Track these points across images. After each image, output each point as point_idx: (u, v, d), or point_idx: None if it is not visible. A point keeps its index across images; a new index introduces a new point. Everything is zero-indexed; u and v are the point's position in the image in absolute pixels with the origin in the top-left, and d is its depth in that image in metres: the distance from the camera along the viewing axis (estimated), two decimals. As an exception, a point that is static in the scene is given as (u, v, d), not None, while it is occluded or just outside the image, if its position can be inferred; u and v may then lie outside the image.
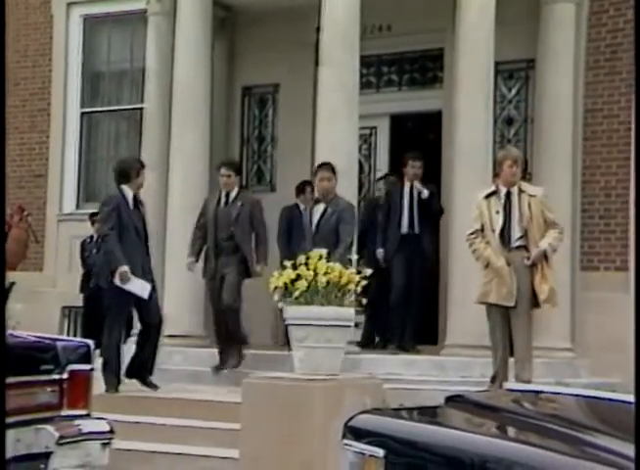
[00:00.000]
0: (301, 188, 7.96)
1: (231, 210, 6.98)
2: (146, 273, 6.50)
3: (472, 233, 6.02)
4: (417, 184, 7.55)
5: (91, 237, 8.79)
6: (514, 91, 8.40)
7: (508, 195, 5.98)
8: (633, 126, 7.21)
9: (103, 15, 9.76)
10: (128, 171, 6.61)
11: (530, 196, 5.94)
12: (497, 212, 5.97)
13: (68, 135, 9.81)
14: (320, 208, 6.81)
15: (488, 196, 6.04)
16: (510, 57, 7.90)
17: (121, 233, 6.43)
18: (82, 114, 9.84)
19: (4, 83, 4.59)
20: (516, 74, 8.34)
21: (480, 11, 7.10)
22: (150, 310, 6.49)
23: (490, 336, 5.96)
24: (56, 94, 9.78)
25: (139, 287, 6.38)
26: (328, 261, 5.61)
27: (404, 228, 7.59)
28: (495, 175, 7.04)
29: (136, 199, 6.64)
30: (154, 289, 6.54)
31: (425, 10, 8.06)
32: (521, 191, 5.96)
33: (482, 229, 5.99)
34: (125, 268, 6.31)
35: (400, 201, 7.59)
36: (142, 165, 6.76)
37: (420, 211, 7.59)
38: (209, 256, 7.00)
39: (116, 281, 6.31)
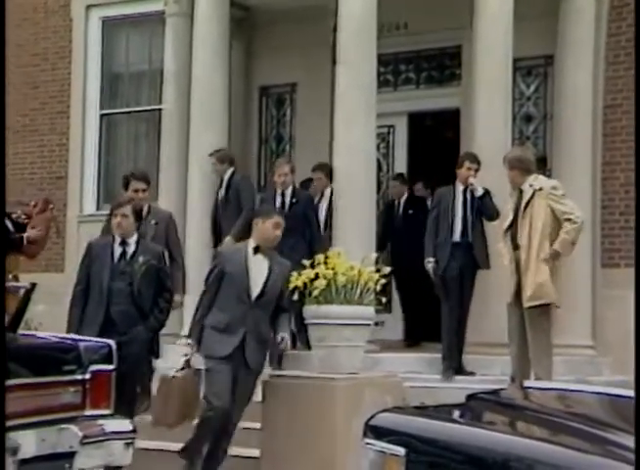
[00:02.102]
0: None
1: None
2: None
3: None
4: (472, 180, 6.67)
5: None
6: (532, 88, 8.36)
7: (520, 192, 5.99)
8: (634, 126, 7.13)
9: (121, 17, 9.81)
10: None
11: (537, 190, 5.93)
12: (510, 210, 6.01)
13: (87, 137, 9.86)
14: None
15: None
16: (528, 53, 7.86)
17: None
18: (101, 115, 9.89)
19: (4, 83, 4.61)
20: (534, 71, 8.30)
21: (499, 7, 7.07)
22: None
23: (511, 337, 5.96)
24: (75, 96, 9.84)
25: None
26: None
27: (457, 235, 6.77)
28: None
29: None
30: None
31: (442, 7, 8.04)
32: (531, 187, 5.97)
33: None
34: None
35: (453, 205, 6.79)
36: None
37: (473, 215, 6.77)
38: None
39: None
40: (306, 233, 7.08)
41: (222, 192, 7.75)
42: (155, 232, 6.14)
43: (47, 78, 9.95)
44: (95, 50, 9.91)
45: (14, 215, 8.33)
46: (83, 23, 9.85)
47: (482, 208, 6.71)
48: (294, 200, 7.19)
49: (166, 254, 5.88)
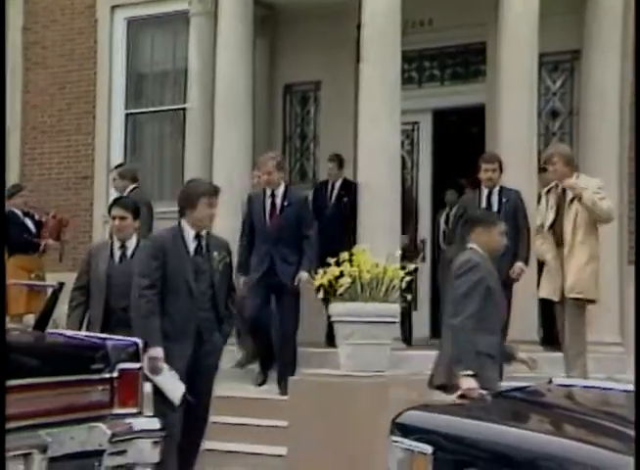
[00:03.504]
0: None
1: (132, 267, 5.09)
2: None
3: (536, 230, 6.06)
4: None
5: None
6: (559, 83, 8.29)
7: (564, 191, 5.94)
8: (634, 126, 7.04)
9: (146, 17, 9.85)
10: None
11: (580, 199, 5.89)
12: (551, 208, 5.96)
13: (113, 137, 9.93)
14: None
15: (549, 191, 6.04)
16: (554, 48, 7.80)
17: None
18: (127, 115, 9.95)
19: (4, 84, 4.64)
20: (561, 66, 8.23)
21: (525, 1, 7.01)
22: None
23: (560, 334, 5.90)
24: (101, 96, 9.91)
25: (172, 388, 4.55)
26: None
27: None
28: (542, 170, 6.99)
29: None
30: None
31: (466, 3, 7.99)
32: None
33: (543, 225, 6.00)
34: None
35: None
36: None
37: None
38: (93, 329, 5.10)
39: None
40: (301, 242, 6.48)
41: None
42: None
43: (73, 79, 10.02)
44: (120, 50, 9.97)
45: (36, 217, 8.45)
46: (108, 24, 9.91)
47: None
48: (285, 202, 6.57)
49: None
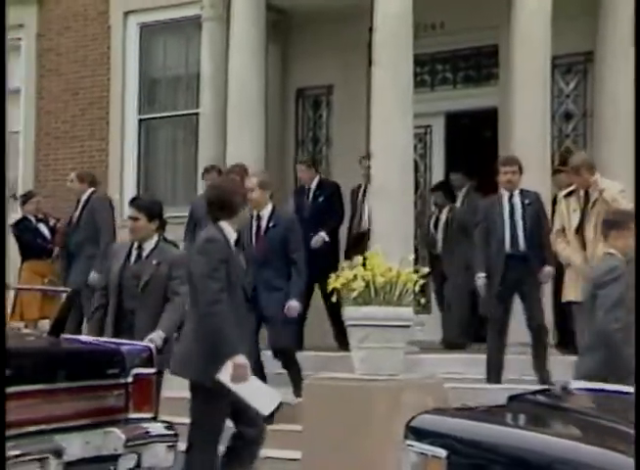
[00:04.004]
0: None
1: (143, 268, 5.14)
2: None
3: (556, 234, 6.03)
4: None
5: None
6: (572, 85, 8.27)
7: (586, 194, 5.92)
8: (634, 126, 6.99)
9: (158, 22, 9.90)
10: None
11: (602, 191, 5.89)
12: (574, 211, 5.93)
13: (126, 142, 9.97)
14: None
15: (568, 195, 6.01)
16: (568, 50, 7.77)
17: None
18: (140, 120, 10.00)
19: (4, 84, 4.65)
20: (574, 68, 8.21)
21: (537, 3, 6.99)
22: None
23: (578, 337, 5.82)
24: (114, 102, 9.96)
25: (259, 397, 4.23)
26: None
27: (508, 247, 6.37)
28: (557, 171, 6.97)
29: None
30: None
31: (478, 6, 7.99)
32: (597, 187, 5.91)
33: (564, 229, 5.97)
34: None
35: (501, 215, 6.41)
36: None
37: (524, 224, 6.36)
38: (106, 333, 5.02)
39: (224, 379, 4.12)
40: (288, 268, 6.14)
41: (76, 214, 7.70)
42: (152, 272, 5.15)
43: (86, 85, 10.07)
44: (133, 56, 10.02)
45: (51, 222, 8.51)
46: (121, 30, 9.96)
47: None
48: (271, 223, 6.16)
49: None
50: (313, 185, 7.87)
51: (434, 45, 8.52)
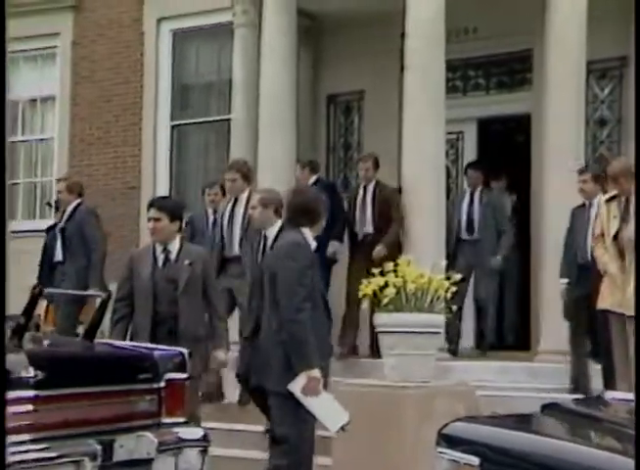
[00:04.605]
0: None
1: (178, 271, 5.03)
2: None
3: (596, 239, 5.97)
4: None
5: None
6: (607, 91, 8.19)
7: (627, 200, 5.84)
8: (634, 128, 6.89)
9: (191, 29, 9.98)
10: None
11: None
12: (614, 217, 5.85)
13: (159, 148, 10.05)
14: None
15: (610, 200, 5.94)
16: (603, 55, 7.70)
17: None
18: (172, 126, 10.07)
19: (4, 85, 4.67)
20: (609, 73, 8.13)
21: (572, 8, 6.93)
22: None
23: (614, 347, 5.74)
24: (147, 108, 10.04)
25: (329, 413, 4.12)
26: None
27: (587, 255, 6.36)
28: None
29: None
30: None
31: (512, 11, 7.94)
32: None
33: (603, 234, 5.91)
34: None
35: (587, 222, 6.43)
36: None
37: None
38: (139, 339, 4.88)
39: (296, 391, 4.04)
40: None
41: (61, 224, 7.54)
42: (189, 275, 5.03)
43: (120, 92, 10.17)
44: (166, 62, 10.10)
45: None
46: (154, 37, 10.04)
47: None
48: (187, 261, 5.13)
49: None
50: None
51: (467, 50, 8.48)
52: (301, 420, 4.12)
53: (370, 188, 7.59)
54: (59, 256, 7.52)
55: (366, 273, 5.74)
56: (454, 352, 7.33)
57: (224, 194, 7.56)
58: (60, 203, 7.75)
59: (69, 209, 7.57)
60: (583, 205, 6.48)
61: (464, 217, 7.85)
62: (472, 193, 7.95)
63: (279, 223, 5.42)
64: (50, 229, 8.44)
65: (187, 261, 5.03)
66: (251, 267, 5.89)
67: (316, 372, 4.06)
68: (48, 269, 7.60)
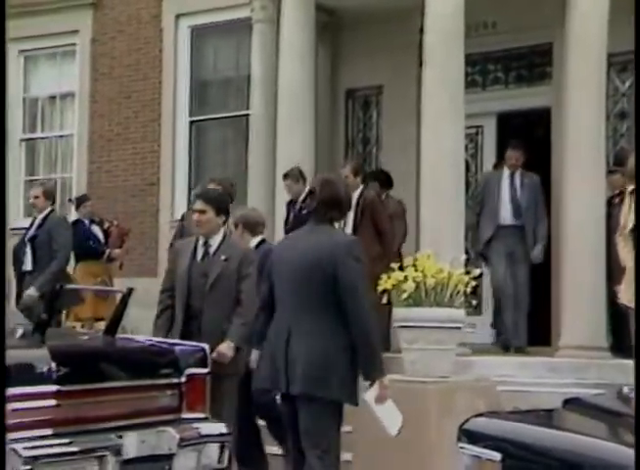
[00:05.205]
0: None
1: (211, 265, 4.93)
2: None
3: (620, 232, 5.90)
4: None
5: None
6: (627, 84, 8.12)
7: None
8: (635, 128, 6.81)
9: (209, 25, 9.99)
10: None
11: None
12: (632, 210, 5.80)
13: (177, 143, 10.08)
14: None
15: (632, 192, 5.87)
16: (624, 48, 7.60)
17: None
18: (191, 122, 10.10)
19: (4, 82, 4.65)
20: (630, 66, 8.04)
21: (593, 1, 6.87)
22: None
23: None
24: (166, 104, 10.07)
25: (390, 418, 4.11)
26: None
27: None
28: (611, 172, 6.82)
29: None
30: None
31: (531, 4, 7.90)
32: None
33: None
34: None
35: None
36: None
37: None
38: (173, 335, 4.83)
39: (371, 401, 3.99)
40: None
41: (32, 232, 7.30)
42: (220, 270, 4.89)
43: (139, 88, 10.20)
44: (184, 58, 10.12)
45: (105, 225, 8.66)
46: (173, 33, 10.07)
47: None
48: (223, 257, 4.95)
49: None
50: (301, 198, 7.33)
51: (486, 45, 8.44)
52: (339, 427, 4.04)
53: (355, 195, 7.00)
54: (28, 265, 7.26)
55: None
56: (506, 346, 7.17)
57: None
58: (35, 208, 7.51)
59: (41, 216, 7.40)
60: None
61: (507, 201, 7.39)
62: (511, 175, 7.51)
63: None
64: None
65: (223, 257, 4.89)
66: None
67: (387, 379, 4.00)
68: (18, 278, 7.30)
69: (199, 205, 5.00)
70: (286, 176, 7.49)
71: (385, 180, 7.96)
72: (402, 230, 7.82)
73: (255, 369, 4.20)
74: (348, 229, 6.90)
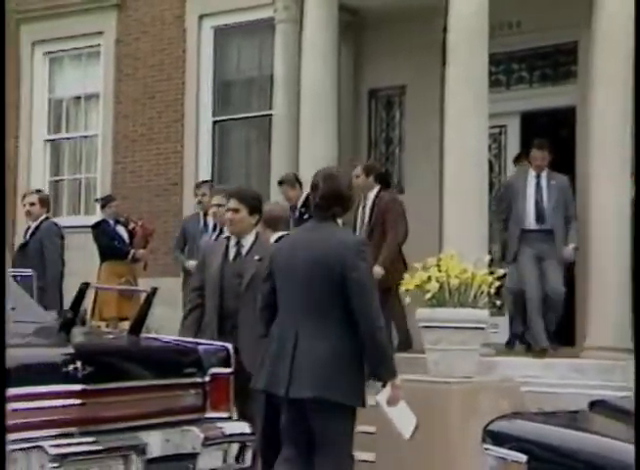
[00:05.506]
0: None
1: (245, 265, 4.86)
2: None
3: None
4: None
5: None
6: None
7: None
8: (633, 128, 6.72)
9: (232, 25, 10.02)
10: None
11: None
12: None
13: (201, 144, 10.11)
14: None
15: None
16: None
17: None
18: (214, 122, 10.13)
19: (4, 83, 4.64)
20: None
21: (620, 0, 6.81)
22: None
23: None
24: (189, 104, 10.11)
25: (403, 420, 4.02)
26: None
27: None
28: None
29: None
30: None
31: (556, 3, 7.84)
32: None
33: None
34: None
35: None
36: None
37: None
38: (206, 335, 4.77)
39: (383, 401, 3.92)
40: None
41: (24, 240, 7.21)
42: (254, 271, 4.77)
43: (162, 88, 10.25)
44: (207, 59, 10.15)
45: (130, 225, 8.72)
46: (196, 33, 10.10)
47: None
48: (257, 257, 4.85)
49: None
50: (299, 203, 7.34)
51: (510, 44, 8.39)
52: (351, 430, 3.96)
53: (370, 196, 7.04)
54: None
55: None
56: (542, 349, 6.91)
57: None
58: (30, 216, 7.45)
59: (35, 224, 7.39)
60: None
61: (531, 205, 7.12)
62: (537, 177, 7.21)
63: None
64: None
65: (257, 257, 4.80)
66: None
67: (399, 381, 3.88)
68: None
69: (233, 203, 4.94)
70: (281, 183, 7.47)
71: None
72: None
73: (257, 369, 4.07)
74: (363, 230, 6.85)
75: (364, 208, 7.02)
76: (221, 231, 6.19)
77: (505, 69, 8.74)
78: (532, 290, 7.05)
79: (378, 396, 3.84)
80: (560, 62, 8.53)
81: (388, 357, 3.83)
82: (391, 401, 3.87)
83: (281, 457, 3.95)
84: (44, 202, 7.55)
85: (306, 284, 3.83)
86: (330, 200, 3.92)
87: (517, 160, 8.23)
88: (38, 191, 8.08)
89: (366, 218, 6.90)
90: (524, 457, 2.80)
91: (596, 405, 3.27)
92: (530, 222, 7.15)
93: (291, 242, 4.16)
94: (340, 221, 4.06)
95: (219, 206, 6.19)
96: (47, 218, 7.57)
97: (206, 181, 7.81)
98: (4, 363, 3.17)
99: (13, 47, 10.97)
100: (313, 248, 3.87)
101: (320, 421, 3.83)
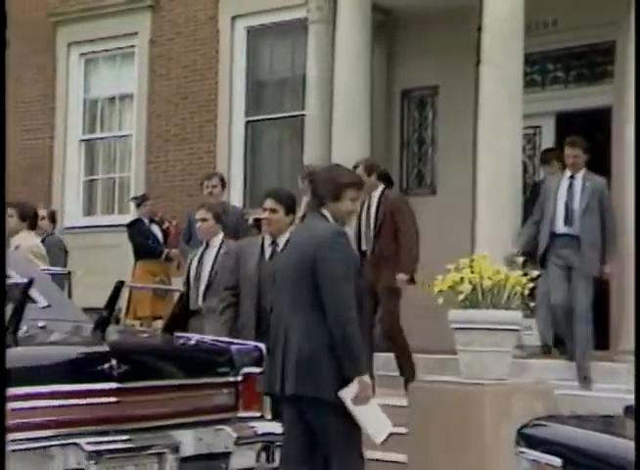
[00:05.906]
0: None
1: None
2: None
3: None
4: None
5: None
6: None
7: None
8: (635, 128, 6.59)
9: (265, 26, 10.05)
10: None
11: None
12: None
13: (233, 144, 10.15)
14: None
15: None
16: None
17: None
18: (247, 122, 10.17)
19: (4, 84, 4.68)
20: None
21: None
22: None
23: None
24: (222, 105, 10.15)
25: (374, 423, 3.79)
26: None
27: None
28: None
29: None
30: None
31: (593, 3, 7.76)
32: None
33: None
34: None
35: None
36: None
37: None
38: (245, 334, 4.85)
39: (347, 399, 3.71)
40: None
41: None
42: None
43: (195, 89, 10.31)
44: (240, 59, 10.19)
45: (165, 224, 8.78)
46: (229, 34, 10.15)
47: None
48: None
49: None
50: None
51: (545, 43, 8.31)
52: (353, 432, 3.80)
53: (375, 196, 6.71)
54: None
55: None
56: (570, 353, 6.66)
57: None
58: (40, 230, 7.39)
59: (42, 238, 7.34)
60: None
61: (561, 207, 6.65)
62: (571, 178, 6.73)
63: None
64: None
65: None
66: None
67: (367, 378, 3.74)
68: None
69: (269, 203, 4.97)
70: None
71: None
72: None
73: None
74: (370, 230, 6.75)
75: (369, 208, 6.86)
76: (207, 244, 6.00)
77: (540, 68, 8.66)
78: (558, 304, 6.67)
79: (341, 391, 3.66)
80: (596, 62, 8.44)
81: (354, 351, 3.67)
82: (358, 401, 3.69)
83: (281, 457, 3.97)
84: (52, 216, 7.80)
85: (291, 281, 3.85)
86: (317, 190, 3.91)
87: (546, 161, 8.02)
88: (45, 207, 8.21)
89: (372, 218, 6.78)
90: (559, 461, 2.77)
91: (632, 410, 3.22)
92: (559, 226, 6.68)
93: (290, 241, 4.23)
94: (328, 214, 3.88)
95: (204, 220, 6.03)
96: (52, 234, 7.74)
97: (217, 173, 7.84)
98: (4, 363, 3.18)
99: (49, 49, 11.10)
100: (299, 245, 3.90)
101: (317, 420, 3.80)
